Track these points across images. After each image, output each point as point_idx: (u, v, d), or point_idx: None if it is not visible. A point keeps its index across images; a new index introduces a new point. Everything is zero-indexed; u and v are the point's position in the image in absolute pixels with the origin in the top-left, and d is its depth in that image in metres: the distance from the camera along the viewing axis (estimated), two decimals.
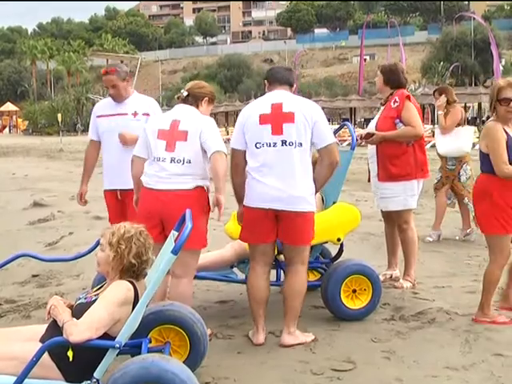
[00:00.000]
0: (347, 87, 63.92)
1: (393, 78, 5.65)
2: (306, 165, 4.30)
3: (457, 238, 7.91)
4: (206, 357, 3.76)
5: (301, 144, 4.22)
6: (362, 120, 50.30)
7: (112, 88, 5.05)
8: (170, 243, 3.40)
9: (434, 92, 8.13)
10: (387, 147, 5.46)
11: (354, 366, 3.96)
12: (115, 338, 3.10)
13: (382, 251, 7.25)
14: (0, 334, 3.33)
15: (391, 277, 5.80)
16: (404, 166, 5.44)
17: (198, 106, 4.36)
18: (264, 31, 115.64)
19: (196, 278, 4.74)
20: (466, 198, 7.66)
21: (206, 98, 4.41)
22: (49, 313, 3.20)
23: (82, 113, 59.74)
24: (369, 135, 5.53)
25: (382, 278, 5.58)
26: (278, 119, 4.24)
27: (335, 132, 6.18)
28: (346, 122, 6.08)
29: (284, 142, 4.21)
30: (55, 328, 3.13)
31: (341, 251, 5.24)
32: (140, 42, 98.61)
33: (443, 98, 7.79)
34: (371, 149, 5.68)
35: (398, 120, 5.48)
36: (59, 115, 41.67)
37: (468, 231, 7.86)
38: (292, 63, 66.53)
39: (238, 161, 4.37)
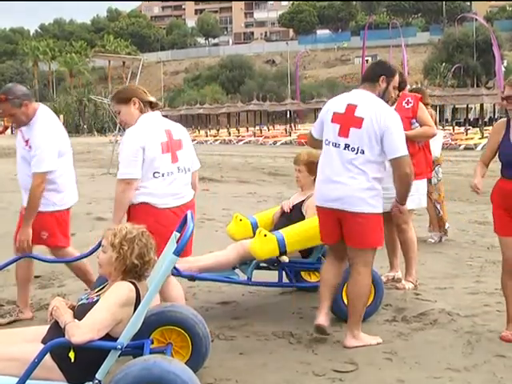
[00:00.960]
0: (349, 88, 62.77)
1: (400, 81, 5.68)
2: (367, 169, 4.23)
3: (432, 241, 7.84)
4: (208, 358, 3.76)
5: (363, 151, 4.18)
6: None
7: (9, 117, 4.61)
8: (172, 244, 3.40)
9: None
10: None
11: (355, 367, 3.96)
12: (117, 338, 3.10)
13: (383, 252, 7.24)
14: (2, 334, 3.34)
15: (393, 278, 5.80)
16: (418, 165, 5.50)
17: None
18: (266, 32, 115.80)
19: (198, 279, 4.75)
20: (434, 201, 7.71)
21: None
22: (51, 314, 3.20)
23: (84, 114, 59.86)
24: None
25: (384, 279, 5.60)
26: (347, 122, 4.24)
27: None
28: None
29: (347, 146, 4.21)
30: (57, 329, 3.13)
31: None
32: (142, 43, 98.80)
33: None
34: None
35: (414, 120, 5.57)
36: (61, 116, 41.81)
37: (440, 234, 7.90)
38: (294, 64, 66.57)
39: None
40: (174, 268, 4.75)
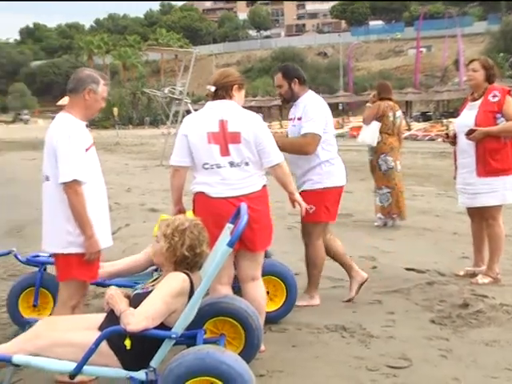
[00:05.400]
0: (402, 80, 62.74)
1: (493, 74, 5.61)
2: None
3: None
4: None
5: None
6: (418, 114, 49.40)
7: None
8: (225, 236, 3.40)
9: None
10: (489, 142, 5.43)
11: (409, 363, 3.90)
12: (171, 328, 3.13)
13: (437, 247, 7.12)
14: (60, 321, 3.41)
15: (474, 273, 5.74)
16: (504, 160, 5.44)
17: (230, 97, 4.09)
18: (318, 24, 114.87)
19: (105, 285, 4.50)
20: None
21: (236, 86, 4.14)
22: (107, 302, 3.26)
23: (137, 106, 60.77)
24: (471, 131, 5.45)
25: (462, 272, 5.71)
26: None
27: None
28: None
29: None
30: (113, 317, 3.18)
31: None
32: (194, 36, 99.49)
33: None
34: (464, 144, 5.60)
35: (499, 114, 5.44)
36: (115, 109, 42.52)
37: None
38: (346, 56, 65.88)
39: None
40: None
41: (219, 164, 3.89)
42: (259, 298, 4.00)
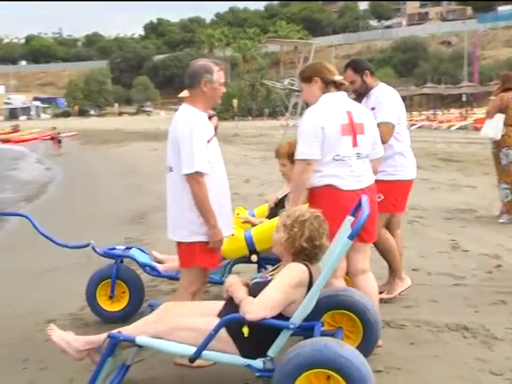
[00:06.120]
0: None
1: None
2: None
3: (501, 221, 8.13)
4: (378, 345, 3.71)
5: None
6: None
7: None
8: (345, 229, 3.37)
9: None
10: None
11: None
12: (289, 318, 3.16)
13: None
14: (181, 306, 3.54)
15: None
16: None
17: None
18: (442, 12, 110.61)
19: (176, 279, 4.64)
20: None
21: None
22: (227, 290, 3.33)
23: (256, 98, 61.63)
24: None
25: None
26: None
27: None
28: None
29: None
30: (232, 305, 3.25)
31: None
32: (314, 27, 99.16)
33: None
34: None
35: None
36: (235, 101, 43.27)
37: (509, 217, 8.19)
38: (471, 44, 63.04)
39: None
40: (154, 269, 4.79)
41: (350, 156, 3.87)
42: (370, 292, 3.94)
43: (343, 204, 3.76)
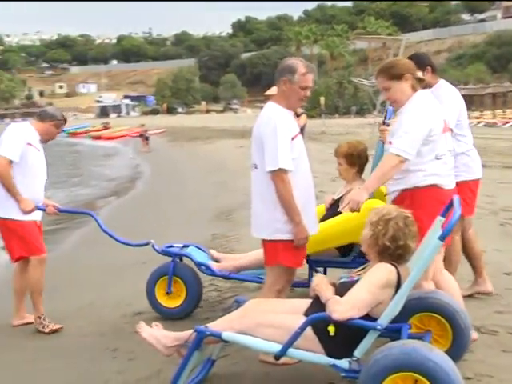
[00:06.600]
0: None
1: None
2: None
3: None
4: (468, 351, 3.59)
5: None
6: None
7: None
8: (435, 229, 3.28)
9: None
10: None
11: None
12: (376, 319, 3.11)
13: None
14: (267, 303, 3.56)
15: None
16: None
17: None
18: None
19: (231, 278, 4.82)
20: None
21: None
22: (313, 289, 3.32)
23: (343, 96, 61.08)
24: None
25: None
26: None
27: None
28: None
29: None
30: (318, 304, 3.24)
31: None
32: (403, 23, 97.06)
33: None
34: None
35: None
36: (322, 98, 43.02)
37: None
38: None
39: None
40: (209, 268, 4.75)
41: (445, 154, 3.79)
42: (452, 290, 3.84)
43: (445, 204, 3.59)
